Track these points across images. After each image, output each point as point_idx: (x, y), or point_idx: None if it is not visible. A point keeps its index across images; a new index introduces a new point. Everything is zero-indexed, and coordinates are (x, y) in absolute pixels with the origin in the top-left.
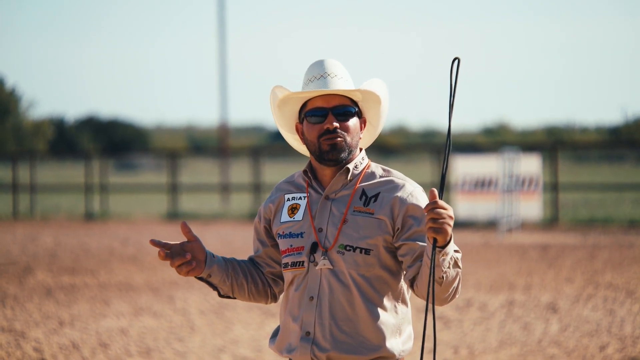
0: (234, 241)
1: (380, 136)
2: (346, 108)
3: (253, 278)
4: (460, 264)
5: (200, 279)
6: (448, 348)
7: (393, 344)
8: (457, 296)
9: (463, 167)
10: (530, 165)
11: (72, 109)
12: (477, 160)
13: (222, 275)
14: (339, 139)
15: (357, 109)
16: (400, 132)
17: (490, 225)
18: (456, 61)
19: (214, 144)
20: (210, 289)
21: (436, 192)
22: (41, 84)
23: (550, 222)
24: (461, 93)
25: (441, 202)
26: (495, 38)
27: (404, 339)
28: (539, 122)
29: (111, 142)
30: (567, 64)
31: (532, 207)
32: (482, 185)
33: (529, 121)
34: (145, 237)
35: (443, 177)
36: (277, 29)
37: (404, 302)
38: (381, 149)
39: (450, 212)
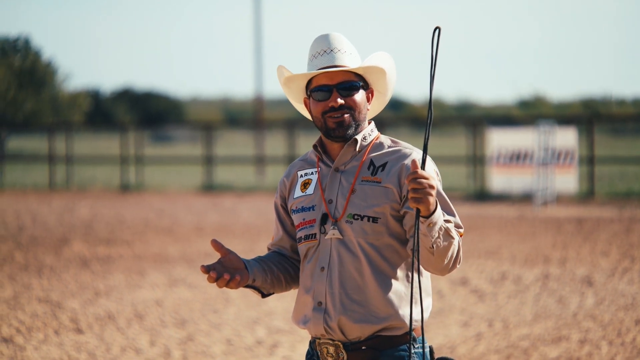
0: (267, 213)
1: (414, 109)
2: (351, 83)
3: (284, 267)
4: (453, 234)
5: (247, 286)
6: (483, 321)
7: (406, 313)
8: (457, 266)
9: (498, 140)
10: (566, 138)
11: (108, 81)
12: (513, 133)
13: (262, 276)
14: (345, 115)
15: (362, 83)
16: (434, 104)
17: (526, 198)
18: (437, 30)
19: (249, 116)
20: (254, 293)
21: (418, 162)
22: (78, 56)
23: (586, 195)
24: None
25: (422, 172)
26: (531, 10)
27: (418, 310)
28: (575, 94)
29: (147, 114)
30: (603, 36)
31: (567, 180)
32: (517, 158)
33: (565, 94)
34: (180, 208)
35: (425, 147)
36: (311, 1)
37: (420, 272)
38: (415, 122)
39: (432, 181)
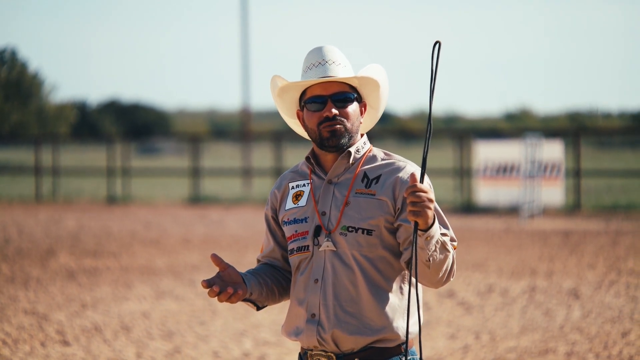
0: (255, 225)
1: (401, 121)
2: (345, 94)
3: (277, 279)
4: (449, 247)
5: (244, 300)
6: (470, 333)
7: (400, 325)
8: (451, 279)
9: (485, 152)
10: (553, 151)
11: (95, 93)
12: (499, 146)
13: (258, 289)
14: (338, 125)
15: (356, 95)
16: (422, 117)
17: (512, 211)
18: (437, 45)
19: (236, 128)
20: (249, 306)
21: (417, 175)
22: (64, 68)
23: (573, 208)
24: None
25: (420, 185)
26: (517, 23)
27: (412, 322)
28: (561, 107)
29: (133, 125)
30: (589, 49)
31: (554, 193)
32: (504, 170)
33: (551, 107)
34: (167, 220)
35: (424, 160)
36: (299, 12)
37: (412, 284)
38: (402, 134)
39: (430, 195)
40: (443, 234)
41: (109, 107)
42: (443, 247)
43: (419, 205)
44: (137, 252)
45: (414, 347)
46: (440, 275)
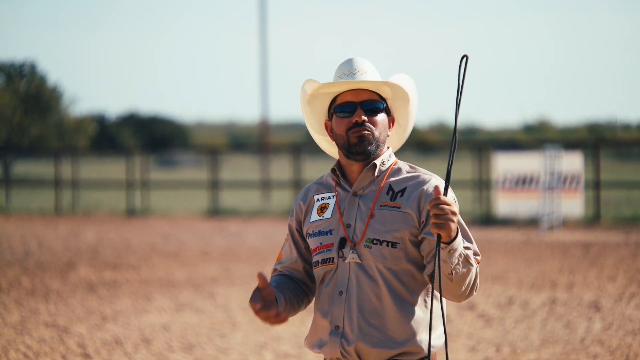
0: (274, 238)
1: (420, 133)
2: (375, 104)
3: (296, 293)
4: (472, 261)
5: None
6: (490, 346)
7: (423, 338)
8: (474, 293)
9: (504, 164)
10: (572, 162)
11: (114, 106)
12: (518, 158)
13: (285, 305)
14: (366, 131)
15: (385, 105)
16: (440, 129)
17: (532, 223)
18: (464, 59)
19: (255, 141)
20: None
21: (441, 188)
22: (83, 81)
23: (592, 220)
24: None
25: (444, 198)
26: (536, 34)
27: (435, 335)
28: (580, 119)
29: (152, 138)
30: (608, 60)
31: (573, 204)
32: (523, 182)
33: (570, 118)
34: (186, 233)
35: (448, 173)
36: (317, 25)
37: (436, 297)
38: (421, 146)
39: (454, 208)
40: (466, 248)
41: (128, 120)
42: (466, 261)
43: (442, 217)
44: (156, 265)
45: None
46: (463, 289)
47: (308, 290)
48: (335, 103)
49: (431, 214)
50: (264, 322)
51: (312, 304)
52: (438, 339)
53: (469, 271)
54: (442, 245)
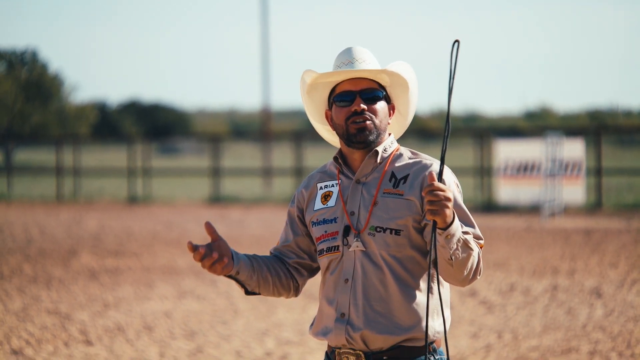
0: (275, 225)
1: (421, 120)
2: (374, 91)
3: (276, 271)
4: (472, 246)
5: (229, 276)
6: (492, 332)
7: (429, 324)
8: (478, 277)
9: (505, 151)
10: (574, 149)
11: (115, 93)
12: (520, 145)
13: (248, 271)
14: (367, 121)
15: (385, 93)
16: (441, 116)
17: (533, 209)
18: (456, 44)
19: (256, 128)
20: (238, 287)
21: (435, 174)
22: (84, 69)
23: (594, 206)
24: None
25: (438, 184)
26: (537, 21)
27: (440, 321)
28: (581, 105)
29: (153, 126)
30: (609, 47)
31: (575, 191)
32: (524, 169)
33: (571, 105)
34: (188, 220)
35: (442, 159)
36: (318, 12)
37: (441, 283)
38: (422, 133)
39: (448, 194)
40: (465, 232)
41: (129, 108)
42: (465, 245)
43: (437, 204)
44: (158, 252)
45: (442, 347)
46: (465, 274)
47: (292, 276)
48: (335, 92)
49: (425, 200)
50: (209, 269)
51: (316, 294)
52: (441, 326)
53: (469, 256)
54: (439, 231)
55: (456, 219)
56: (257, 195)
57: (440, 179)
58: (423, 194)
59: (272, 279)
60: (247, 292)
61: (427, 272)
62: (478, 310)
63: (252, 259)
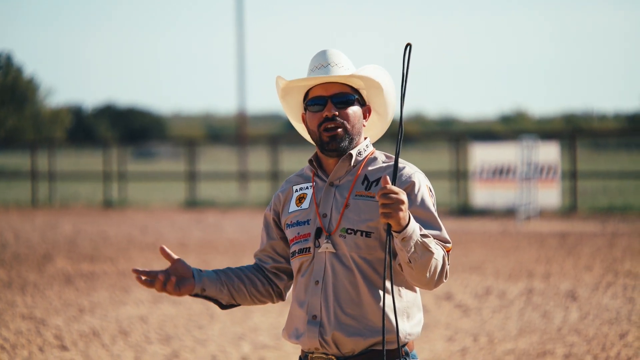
0: (251, 229)
1: (396, 124)
2: (346, 96)
3: (251, 280)
4: (431, 248)
5: (196, 295)
6: (467, 336)
7: (401, 327)
8: (444, 280)
9: (481, 155)
10: (549, 153)
11: (90, 97)
12: (495, 148)
13: (215, 286)
14: (339, 129)
15: (357, 97)
16: (417, 120)
17: (509, 213)
18: (408, 47)
19: (232, 132)
20: (211, 304)
21: (388, 178)
22: (59, 72)
23: (569, 210)
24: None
25: (391, 187)
26: (513, 26)
27: (412, 324)
28: (556, 109)
29: (129, 130)
30: (584, 51)
31: (550, 195)
32: (500, 173)
33: (546, 109)
34: (163, 225)
35: (396, 163)
36: (294, 16)
37: (410, 287)
38: (395, 136)
39: (402, 196)
40: (424, 235)
41: (104, 112)
42: (424, 248)
43: (390, 207)
44: (134, 257)
45: (415, 350)
46: (428, 276)
47: (271, 282)
48: (308, 97)
49: (379, 203)
50: (174, 294)
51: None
52: (415, 327)
53: (430, 258)
54: (394, 233)
55: (412, 221)
56: (233, 200)
57: (394, 182)
58: (377, 197)
59: (246, 288)
60: (223, 307)
61: (398, 275)
62: (454, 314)
63: (220, 272)
